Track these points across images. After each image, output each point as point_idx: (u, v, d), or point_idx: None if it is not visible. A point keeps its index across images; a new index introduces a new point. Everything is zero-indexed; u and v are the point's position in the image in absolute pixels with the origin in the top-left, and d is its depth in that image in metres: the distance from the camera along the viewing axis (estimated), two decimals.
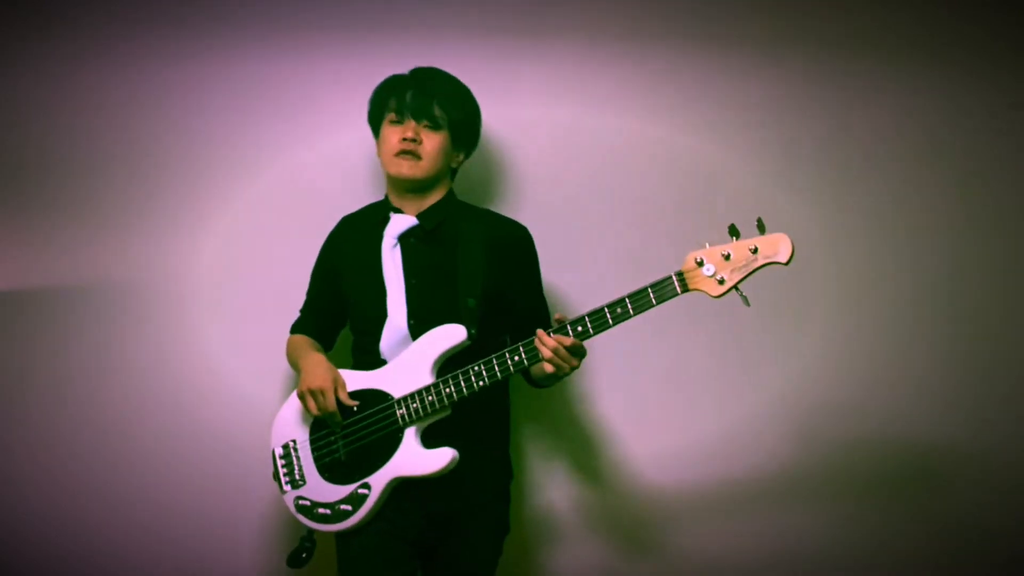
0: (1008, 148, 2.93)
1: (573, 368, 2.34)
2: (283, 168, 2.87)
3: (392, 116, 2.51)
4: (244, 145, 2.83)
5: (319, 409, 2.44)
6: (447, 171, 2.56)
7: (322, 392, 2.44)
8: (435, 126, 2.49)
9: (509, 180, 2.91)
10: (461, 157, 2.59)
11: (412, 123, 2.48)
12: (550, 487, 2.90)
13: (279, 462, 2.53)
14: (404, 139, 2.47)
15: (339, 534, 2.48)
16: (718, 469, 2.86)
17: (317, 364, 2.48)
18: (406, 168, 2.49)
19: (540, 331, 2.32)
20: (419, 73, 2.57)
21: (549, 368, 2.33)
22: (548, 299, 2.63)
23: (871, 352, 2.90)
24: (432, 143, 2.49)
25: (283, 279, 2.81)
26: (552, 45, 2.90)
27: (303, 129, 2.70)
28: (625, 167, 2.92)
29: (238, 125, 2.84)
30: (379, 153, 2.55)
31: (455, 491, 2.44)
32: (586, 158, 2.92)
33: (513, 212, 2.74)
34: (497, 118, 2.79)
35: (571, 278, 2.83)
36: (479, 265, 2.47)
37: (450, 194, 2.58)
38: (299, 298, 2.70)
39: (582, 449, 2.91)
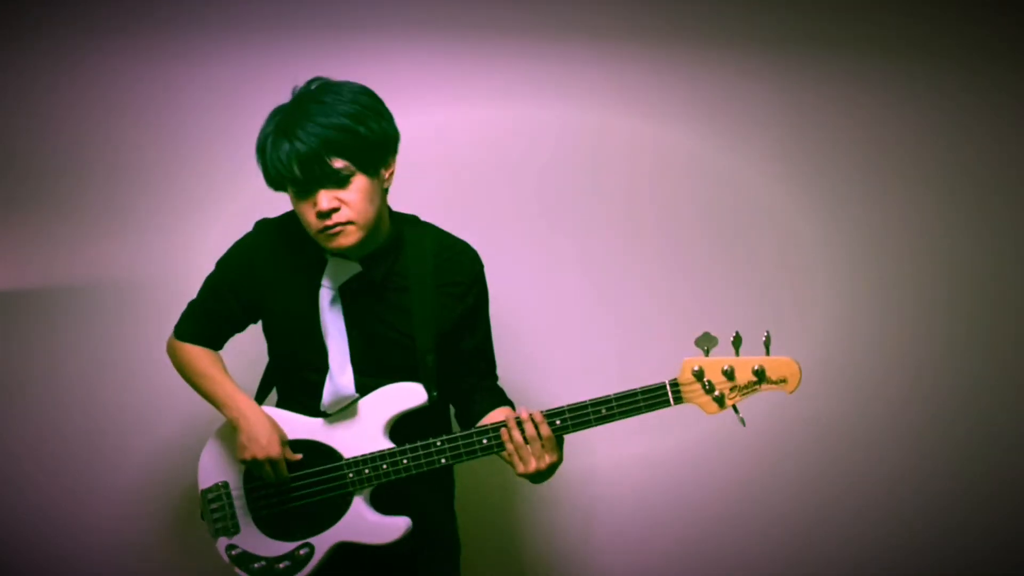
0: (1009, 148, 2.92)
1: (542, 470, 2.14)
2: None
3: (294, 190, 2.09)
4: (244, 144, 2.48)
5: (270, 478, 2.24)
6: (383, 202, 2.18)
7: (272, 462, 2.22)
8: (342, 181, 2.05)
9: (498, 183, 2.88)
10: (392, 167, 2.17)
11: (319, 192, 2.05)
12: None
13: (210, 504, 2.34)
14: (320, 215, 2.06)
15: None
16: (710, 475, 2.91)
17: (258, 424, 2.22)
18: (343, 241, 2.09)
19: (510, 415, 2.13)
20: (287, 122, 2.05)
21: (519, 466, 2.14)
22: (547, 298, 2.61)
23: (871, 353, 2.91)
24: (352, 196, 2.07)
25: None
26: (551, 45, 2.85)
27: None
28: (623, 168, 2.89)
29: (238, 124, 2.56)
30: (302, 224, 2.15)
31: (403, 540, 2.29)
32: (583, 159, 2.89)
33: (503, 215, 2.77)
34: (492, 118, 2.81)
35: (565, 283, 2.83)
36: (431, 314, 2.22)
37: (392, 228, 2.22)
38: None
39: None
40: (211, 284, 2.34)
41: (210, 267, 2.35)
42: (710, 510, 2.93)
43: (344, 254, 2.18)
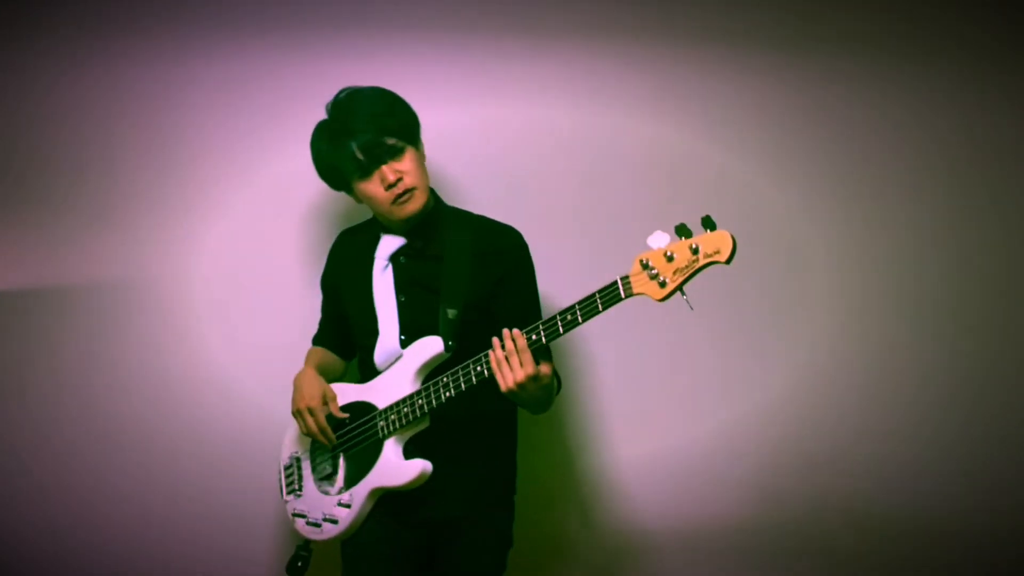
0: (1010, 148, 2.87)
1: (520, 382, 2.26)
2: (282, 168, 2.87)
3: (359, 175, 2.44)
4: (244, 145, 2.87)
5: (313, 427, 2.52)
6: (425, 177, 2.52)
7: (310, 411, 2.52)
8: (397, 152, 2.42)
9: (504, 182, 2.90)
10: (423, 147, 2.52)
11: (382, 168, 2.42)
12: (558, 501, 2.88)
13: (283, 472, 2.63)
14: (389, 187, 2.42)
15: (343, 542, 2.53)
16: (709, 475, 2.87)
17: (307, 381, 2.55)
18: (412, 207, 2.44)
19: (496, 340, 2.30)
20: (337, 126, 2.44)
21: (501, 381, 2.27)
22: (546, 306, 2.56)
23: (872, 354, 2.87)
24: (408, 166, 2.43)
25: (282, 279, 2.88)
26: (549, 44, 2.89)
27: (303, 129, 2.62)
28: (622, 168, 2.89)
29: (238, 125, 2.86)
30: (371, 206, 2.50)
31: (453, 499, 2.45)
32: (582, 159, 2.89)
33: (509, 214, 2.70)
34: (496, 118, 2.84)
35: (567, 281, 2.70)
36: (464, 275, 2.46)
37: (436, 204, 2.56)
38: (296, 298, 2.81)
39: (591, 462, 2.91)
40: (321, 288, 2.75)
41: (210, 267, 2.74)
42: (708, 510, 2.89)
43: (393, 224, 2.51)
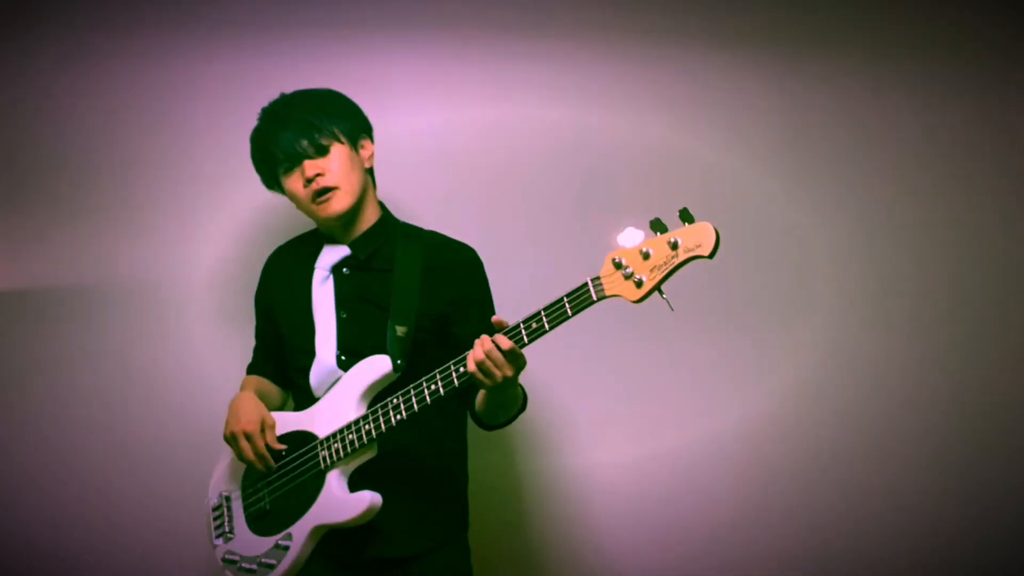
0: (1010, 148, 2.88)
1: (506, 378, 2.06)
2: None
3: (282, 171, 2.32)
4: (243, 144, 2.73)
5: (249, 454, 2.27)
6: (366, 179, 2.36)
7: (247, 435, 2.27)
8: (322, 150, 2.28)
9: (491, 183, 2.85)
10: (369, 148, 2.38)
11: (303, 164, 2.27)
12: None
13: (212, 515, 2.37)
14: (307, 182, 2.27)
15: None
16: (713, 474, 2.83)
17: (244, 404, 2.31)
18: (333, 206, 2.28)
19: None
20: (269, 115, 2.36)
21: (486, 380, 2.07)
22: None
23: (872, 354, 2.85)
24: (334, 163, 2.28)
25: None
26: (548, 43, 2.85)
27: None
28: (622, 169, 2.85)
29: (237, 126, 2.69)
30: (300, 209, 2.37)
31: (401, 535, 2.23)
32: (581, 159, 2.85)
33: (494, 216, 2.74)
34: (487, 118, 2.81)
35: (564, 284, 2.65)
36: (413, 291, 2.27)
37: (384, 216, 2.39)
38: None
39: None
40: (255, 312, 2.53)
41: (210, 266, 2.60)
42: (706, 511, 2.83)
43: (335, 233, 2.34)
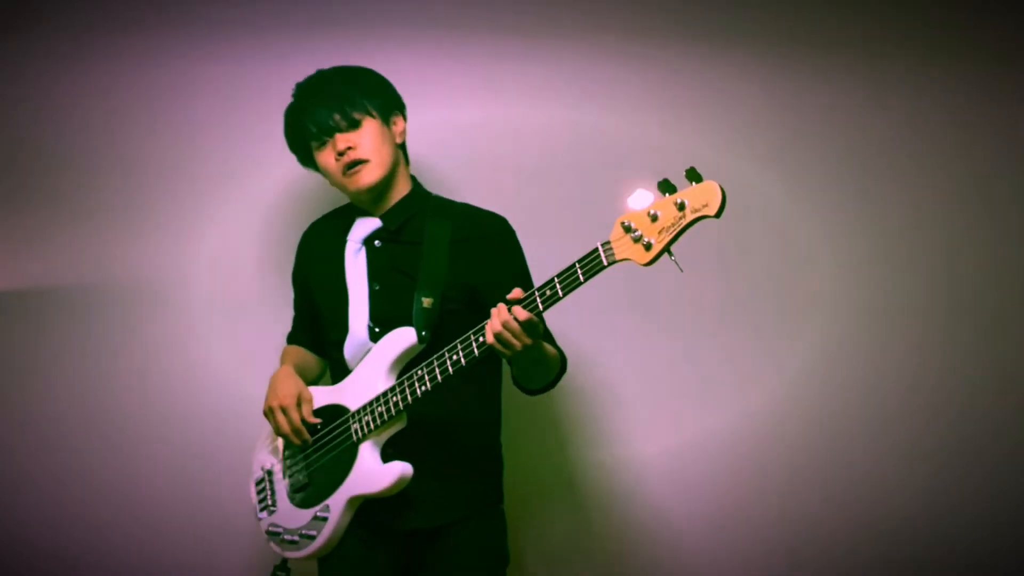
0: (1010, 149, 2.87)
1: (525, 346, 2.07)
2: (282, 167, 2.76)
3: (315, 145, 2.36)
4: (243, 144, 2.84)
5: (286, 427, 2.33)
6: (397, 154, 2.38)
7: (283, 409, 2.33)
8: (354, 123, 2.32)
9: (496, 178, 2.83)
10: (401, 125, 2.41)
11: (335, 137, 2.32)
12: (558, 507, 2.82)
13: (255, 488, 2.44)
14: (339, 155, 2.32)
15: (320, 560, 2.33)
16: (708, 476, 2.83)
17: (281, 379, 2.37)
18: (363, 178, 2.32)
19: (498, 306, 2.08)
20: (304, 91, 2.40)
21: (502, 348, 2.08)
22: None
23: (872, 354, 2.84)
24: (365, 137, 2.32)
25: (283, 279, 2.73)
26: (548, 43, 2.85)
27: None
28: (617, 168, 2.79)
29: (237, 124, 2.84)
30: (332, 184, 2.40)
31: (435, 505, 2.27)
32: (580, 157, 2.83)
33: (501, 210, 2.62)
34: (487, 118, 2.80)
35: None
36: (442, 262, 2.29)
37: (415, 189, 2.41)
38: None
39: (582, 461, 2.84)
40: (292, 284, 2.58)
41: (210, 267, 2.66)
42: (706, 509, 2.84)
43: (367, 206, 2.38)
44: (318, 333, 2.50)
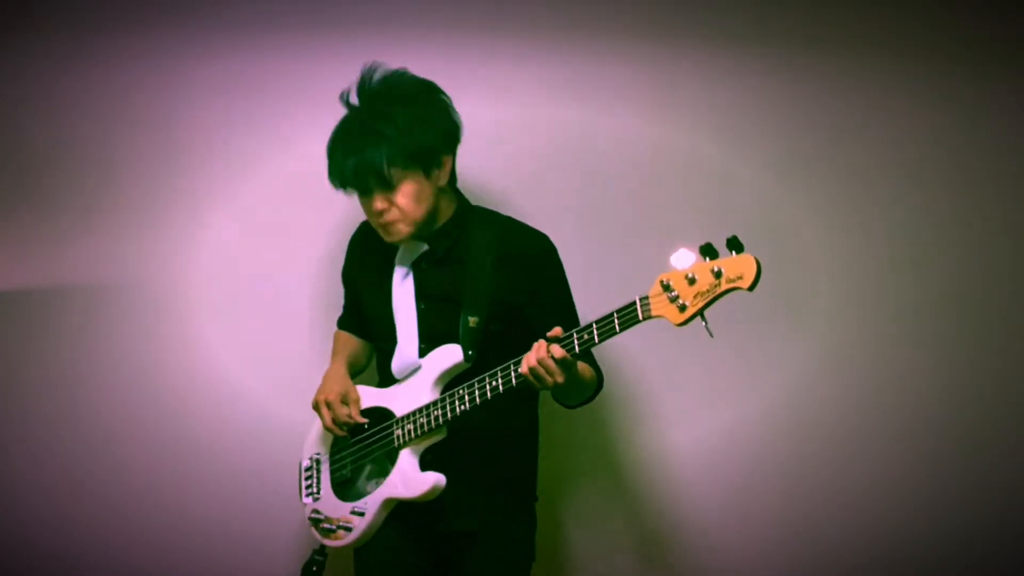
0: (1011, 149, 2.85)
1: (556, 383, 2.17)
2: (282, 166, 2.83)
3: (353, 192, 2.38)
4: (243, 143, 2.85)
5: (329, 421, 2.48)
6: (438, 195, 2.40)
7: (328, 404, 2.47)
8: (388, 187, 2.30)
9: (509, 184, 2.84)
10: (448, 164, 2.39)
11: (373, 197, 2.33)
12: (578, 512, 2.88)
13: (303, 474, 2.59)
14: (374, 214, 2.36)
15: (356, 549, 2.48)
16: (706, 475, 2.86)
17: (333, 376, 2.52)
18: (395, 236, 2.38)
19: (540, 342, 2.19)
20: (345, 133, 2.35)
21: (535, 382, 2.19)
22: None
23: (872, 356, 2.85)
24: (403, 199, 2.32)
25: (282, 278, 2.84)
26: (552, 43, 2.85)
27: (302, 127, 2.65)
28: (624, 170, 2.86)
29: (237, 123, 2.84)
30: None
31: (470, 512, 2.39)
32: (585, 160, 2.85)
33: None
34: (492, 117, 2.79)
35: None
36: (486, 281, 2.37)
37: (460, 206, 2.46)
38: (298, 296, 2.81)
39: (611, 467, 2.90)
40: (343, 274, 2.69)
41: (211, 267, 2.74)
42: (705, 508, 2.87)
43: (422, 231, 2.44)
44: (366, 324, 2.62)
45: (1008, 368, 2.84)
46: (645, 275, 2.08)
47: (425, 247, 2.45)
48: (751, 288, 1.93)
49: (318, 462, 2.57)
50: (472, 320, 2.36)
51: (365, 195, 2.37)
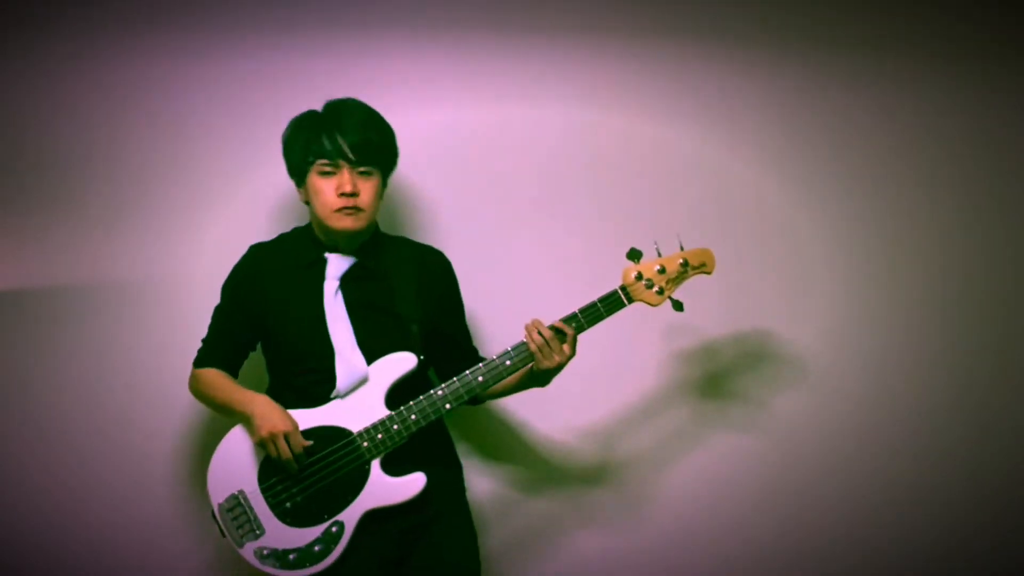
0: (1011, 147, 2.97)
1: (565, 360, 2.46)
2: (282, 166, 2.67)
3: (323, 164, 2.44)
4: (243, 143, 2.83)
5: (287, 454, 2.38)
6: None
7: (286, 435, 2.39)
8: (369, 172, 2.46)
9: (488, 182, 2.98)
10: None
11: (347, 174, 2.43)
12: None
13: (227, 516, 2.42)
14: (343, 194, 2.43)
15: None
16: (706, 476, 2.99)
17: (270, 407, 2.42)
18: (350, 223, 2.45)
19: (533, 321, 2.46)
20: (340, 109, 2.49)
21: (542, 362, 2.45)
22: (550, 298, 2.63)
23: (872, 353, 2.98)
24: (368, 192, 2.46)
25: None
26: (547, 42, 2.96)
27: None
28: (623, 169, 2.99)
29: (237, 123, 2.84)
30: (307, 201, 2.50)
31: (419, 503, 2.47)
32: (581, 158, 2.99)
33: (500, 212, 2.91)
34: (488, 118, 2.94)
35: (554, 278, 2.95)
36: (412, 292, 2.54)
37: (377, 225, 2.60)
38: None
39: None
40: (220, 309, 2.55)
41: (211, 267, 2.60)
42: (704, 504, 3.00)
43: (338, 241, 2.49)
44: (236, 356, 2.58)
45: (1008, 368, 2.97)
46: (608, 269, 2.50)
47: (353, 260, 2.52)
48: (711, 272, 2.58)
49: (243, 497, 2.43)
50: (414, 327, 2.53)
51: (335, 172, 2.42)
